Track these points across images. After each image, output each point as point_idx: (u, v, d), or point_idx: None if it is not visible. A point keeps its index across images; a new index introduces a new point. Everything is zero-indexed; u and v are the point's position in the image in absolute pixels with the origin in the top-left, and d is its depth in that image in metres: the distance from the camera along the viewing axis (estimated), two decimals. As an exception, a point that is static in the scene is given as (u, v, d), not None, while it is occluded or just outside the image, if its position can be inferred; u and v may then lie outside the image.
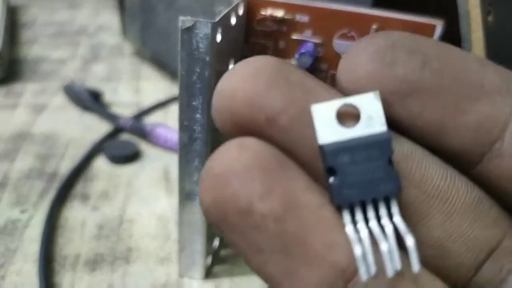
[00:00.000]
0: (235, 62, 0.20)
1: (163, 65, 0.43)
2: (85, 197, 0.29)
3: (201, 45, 0.17)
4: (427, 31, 0.19)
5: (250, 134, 0.11)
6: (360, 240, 0.10)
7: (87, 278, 0.23)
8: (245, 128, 0.11)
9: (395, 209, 0.11)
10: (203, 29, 0.17)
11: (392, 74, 0.11)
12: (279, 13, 0.20)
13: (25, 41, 0.51)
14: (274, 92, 0.11)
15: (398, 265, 0.10)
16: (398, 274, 0.10)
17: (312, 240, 0.10)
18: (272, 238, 0.10)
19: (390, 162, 0.10)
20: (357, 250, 0.10)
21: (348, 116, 0.11)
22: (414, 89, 0.11)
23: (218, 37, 0.17)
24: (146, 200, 0.28)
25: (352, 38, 0.20)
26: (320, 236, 0.10)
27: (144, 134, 0.34)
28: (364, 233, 0.10)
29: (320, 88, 0.11)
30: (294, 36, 0.21)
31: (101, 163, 0.32)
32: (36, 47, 0.49)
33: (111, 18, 0.55)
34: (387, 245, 0.10)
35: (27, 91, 0.41)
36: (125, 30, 0.46)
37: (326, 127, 0.11)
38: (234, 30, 0.19)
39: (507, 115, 0.11)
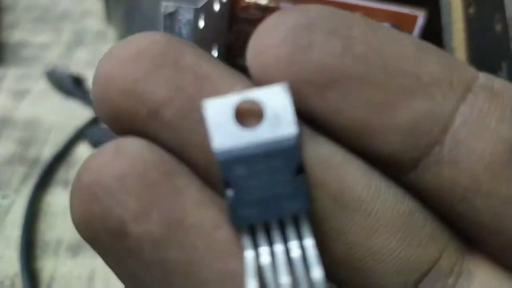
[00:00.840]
0: (219, 49, 0.20)
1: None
2: (67, 183, 0.28)
3: (183, 31, 0.17)
4: (409, 21, 0.20)
5: (133, 131, 0.09)
6: (259, 268, 0.09)
7: (69, 263, 0.23)
8: (125, 123, 0.09)
9: (305, 230, 0.09)
10: (186, 15, 0.16)
11: (307, 60, 0.08)
12: (263, 1, 0.20)
13: (6, 25, 0.50)
14: (158, 78, 0.09)
15: None
16: None
17: (201, 270, 0.08)
18: (150, 266, 0.08)
19: (299, 172, 0.09)
20: (250, 285, 0.08)
21: (249, 114, 0.09)
22: (333, 78, 0.09)
23: (201, 23, 0.17)
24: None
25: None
26: (211, 265, 0.08)
27: (127, 120, 0.34)
28: (265, 259, 0.09)
29: (220, 75, 0.09)
30: (278, 24, 0.21)
31: (83, 149, 0.32)
32: (18, 31, 0.48)
33: (95, 3, 0.55)
34: (287, 279, 0.08)
35: (9, 76, 0.40)
36: (109, 16, 0.46)
37: (222, 128, 0.09)
38: (217, 17, 0.19)
39: (448, 114, 0.09)
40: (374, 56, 0.09)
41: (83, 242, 0.25)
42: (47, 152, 0.31)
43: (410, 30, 0.20)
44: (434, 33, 0.22)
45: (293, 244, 0.09)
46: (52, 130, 0.33)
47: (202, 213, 0.09)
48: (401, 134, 0.09)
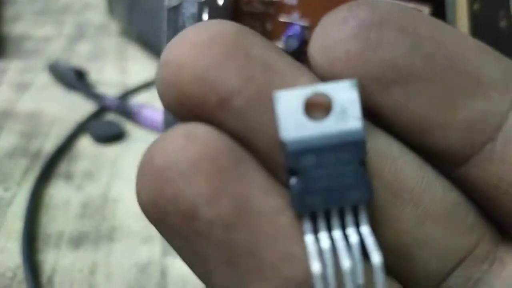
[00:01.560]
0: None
1: (150, 45, 0.43)
2: (69, 176, 0.29)
3: (187, 25, 0.17)
4: (413, 16, 0.20)
5: (200, 118, 0.09)
6: (320, 252, 0.09)
7: (70, 256, 0.23)
8: (193, 109, 0.09)
9: (363, 218, 0.09)
10: (190, 9, 0.16)
11: (377, 58, 0.09)
12: (267, -5, 0.20)
13: (8, 18, 0.50)
14: (230, 67, 0.09)
15: (360, 281, 0.09)
16: None
17: (266, 251, 0.09)
18: (219, 247, 0.09)
19: (362, 164, 0.09)
20: (315, 267, 0.09)
21: (318, 107, 0.09)
22: (400, 76, 0.09)
23: (205, 17, 0.17)
24: (131, 180, 0.28)
25: (339, 22, 0.21)
26: (275, 247, 0.09)
27: (129, 114, 0.34)
28: (325, 244, 0.09)
29: (287, 67, 0.09)
30: (282, 19, 0.21)
31: (85, 143, 0.32)
32: (20, 24, 0.48)
33: (97, -4, 0.55)
34: (349, 262, 0.09)
35: (11, 69, 0.40)
36: (111, 9, 0.46)
37: (291, 119, 0.09)
38: (221, 11, 0.19)
39: (503, 114, 0.09)
40: (441, 55, 0.09)
41: (85, 235, 0.25)
42: (49, 145, 0.31)
43: (414, 26, 0.20)
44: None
45: (351, 231, 0.09)
46: (54, 123, 0.33)
47: (267, 199, 0.09)
48: (459, 131, 0.09)
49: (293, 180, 0.09)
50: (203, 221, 0.09)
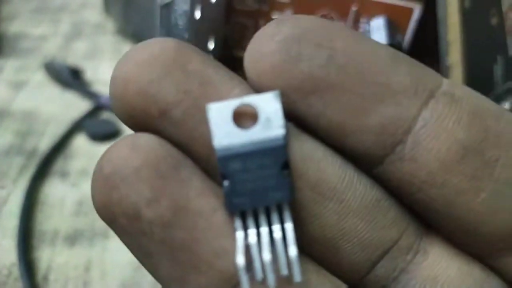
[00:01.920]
0: (216, 40, 0.20)
1: (145, 43, 0.43)
2: (64, 174, 0.29)
3: (180, 22, 0.17)
4: (405, 14, 0.20)
5: (145, 127, 0.10)
6: (248, 246, 0.10)
7: (66, 253, 0.23)
8: (139, 120, 0.10)
9: (287, 216, 0.10)
10: (182, 6, 0.17)
11: (296, 70, 0.10)
12: (260, -7, 0.20)
13: (5, 16, 0.50)
14: (169, 82, 0.10)
15: (284, 272, 0.10)
16: (287, 281, 0.10)
17: (201, 247, 0.10)
18: (160, 244, 0.10)
19: (284, 167, 0.10)
20: (239, 260, 0.10)
21: (246, 117, 0.10)
22: (318, 87, 0.10)
23: (197, 14, 0.17)
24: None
25: (332, 19, 0.21)
26: (209, 243, 0.10)
27: (125, 112, 0.34)
28: (252, 239, 0.10)
29: (222, 80, 0.10)
30: (275, 16, 0.21)
31: (81, 141, 0.32)
32: (16, 23, 0.48)
33: (93, -5, 0.55)
34: (269, 256, 0.10)
35: (7, 67, 0.40)
36: (107, 7, 0.46)
37: (222, 128, 0.10)
38: (214, 8, 0.19)
39: (411, 118, 0.10)
40: (353, 67, 0.10)
41: (80, 233, 0.25)
42: (45, 143, 0.31)
43: (405, 23, 0.20)
44: (429, 26, 0.22)
45: (276, 227, 0.10)
46: (50, 122, 0.33)
47: (203, 200, 0.10)
48: (371, 135, 0.10)
49: (225, 183, 0.10)
50: (145, 221, 0.10)
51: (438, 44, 0.21)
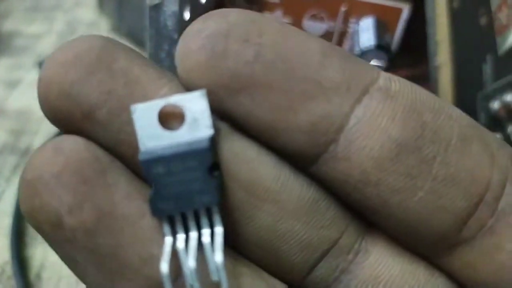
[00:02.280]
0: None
1: (139, 42, 0.43)
2: (58, 173, 0.29)
3: (169, 22, 0.17)
4: (394, 14, 0.20)
5: (72, 130, 0.10)
6: (177, 253, 0.10)
7: (58, 252, 0.24)
8: (64, 123, 0.10)
9: (216, 220, 0.10)
10: (171, 7, 0.17)
11: (222, 67, 0.09)
12: (250, -7, 0.21)
13: (-1, 14, 0.49)
14: (92, 82, 0.09)
15: (214, 277, 0.10)
16: (217, 285, 0.10)
17: (127, 254, 0.10)
18: (84, 251, 0.10)
19: (212, 169, 0.10)
20: (163, 268, 0.09)
21: (173, 118, 0.10)
22: (244, 84, 0.09)
23: (187, 15, 0.18)
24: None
25: (321, 19, 0.21)
26: (136, 249, 0.10)
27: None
28: (180, 245, 0.10)
29: (148, 78, 0.10)
30: (265, 16, 0.21)
31: (75, 139, 0.32)
32: (10, 21, 0.48)
33: (88, -7, 0.54)
34: (194, 263, 0.10)
35: (1, 66, 0.40)
36: (101, 6, 0.46)
37: (147, 130, 0.09)
38: (204, 9, 0.19)
39: (343, 116, 0.10)
40: (281, 63, 0.09)
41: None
42: (38, 142, 0.31)
43: (394, 23, 0.21)
44: (418, 26, 0.22)
45: (205, 232, 0.10)
46: (43, 120, 0.33)
47: (129, 204, 0.10)
48: (302, 133, 0.10)
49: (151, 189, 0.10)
50: (67, 228, 0.09)
51: (427, 44, 0.21)
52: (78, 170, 0.09)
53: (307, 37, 0.10)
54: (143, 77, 0.10)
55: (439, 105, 0.10)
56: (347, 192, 0.10)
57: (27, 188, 0.10)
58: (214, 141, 0.10)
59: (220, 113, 0.10)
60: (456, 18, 0.21)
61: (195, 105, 0.09)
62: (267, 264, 0.11)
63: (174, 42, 0.17)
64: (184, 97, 0.09)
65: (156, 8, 0.17)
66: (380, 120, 0.10)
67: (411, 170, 0.10)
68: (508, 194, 0.10)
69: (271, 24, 0.10)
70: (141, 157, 0.10)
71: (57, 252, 0.10)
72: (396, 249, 0.11)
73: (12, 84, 0.37)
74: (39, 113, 0.32)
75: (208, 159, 0.10)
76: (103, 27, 0.48)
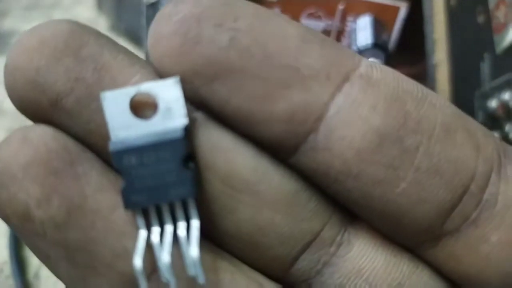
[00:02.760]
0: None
1: (138, 40, 0.43)
2: (56, 172, 0.29)
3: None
4: (391, 12, 0.20)
5: (41, 119, 0.09)
6: (151, 246, 0.09)
7: (57, 251, 0.24)
8: (33, 112, 0.09)
9: (192, 213, 0.09)
10: (168, 6, 0.17)
11: (196, 53, 0.09)
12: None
13: (-3, 13, 0.49)
14: (58, 69, 0.09)
15: (190, 271, 0.09)
16: (194, 282, 0.09)
17: (99, 248, 0.09)
18: (55, 245, 0.09)
19: (187, 160, 0.09)
20: (136, 262, 0.09)
21: (145, 106, 0.09)
22: (219, 71, 0.09)
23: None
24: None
25: (319, 18, 0.21)
26: (108, 243, 0.09)
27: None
28: (155, 239, 0.09)
29: (119, 65, 0.09)
30: (262, 15, 0.21)
31: (73, 138, 0.32)
32: (8, 19, 0.48)
33: (86, -8, 0.54)
34: (168, 257, 0.09)
35: (-1, 64, 0.40)
36: (100, 4, 0.46)
37: (118, 119, 0.09)
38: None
39: (323, 105, 0.09)
40: (258, 50, 0.09)
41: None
42: (37, 141, 0.31)
43: (392, 22, 0.21)
44: (416, 25, 0.22)
45: (181, 225, 0.09)
46: (41, 119, 0.33)
47: (101, 197, 0.09)
48: (280, 123, 0.09)
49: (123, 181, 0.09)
50: (35, 222, 0.09)
51: (424, 43, 0.21)
52: (47, 161, 0.09)
53: (286, 21, 0.09)
54: (114, 63, 0.09)
55: (422, 94, 0.10)
56: (328, 183, 0.10)
57: None
58: (188, 131, 0.09)
59: (195, 101, 0.09)
60: (454, 16, 0.21)
61: (168, 93, 0.09)
62: (248, 257, 0.10)
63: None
64: (157, 84, 0.09)
65: (153, 6, 0.17)
66: (361, 109, 0.09)
67: (393, 161, 0.09)
68: (493, 185, 0.10)
69: (247, 7, 0.09)
70: (111, 147, 0.09)
71: (28, 246, 0.10)
72: (379, 241, 0.11)
73: (11, 83, 0.37)
74: (37, 112, 0.32)
75: (182, 149, 0.09)
76: (101, 25, 0.48)
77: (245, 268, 0.11)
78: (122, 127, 0.09)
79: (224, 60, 0.09)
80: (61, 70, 0.09)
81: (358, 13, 0.20)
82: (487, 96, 0.22)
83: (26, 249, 0.24)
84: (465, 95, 0.22)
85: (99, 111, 0.09)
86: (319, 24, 0.21)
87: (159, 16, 0.09)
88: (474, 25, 0.22)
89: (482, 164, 0.10)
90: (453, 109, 0.10)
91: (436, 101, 0.10)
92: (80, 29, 0.09)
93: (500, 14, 0.21)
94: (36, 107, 0.09)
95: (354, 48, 0.20)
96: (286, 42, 0.09)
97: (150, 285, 0.09)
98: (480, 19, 0.22)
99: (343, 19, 0.21)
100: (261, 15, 0.09)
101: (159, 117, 0.09)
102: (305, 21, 0.21)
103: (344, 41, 0.21)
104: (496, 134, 0.21)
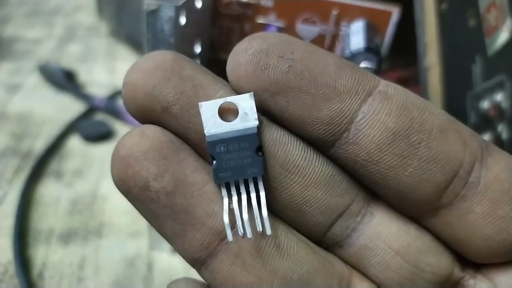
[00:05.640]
0: (202, 43, 0.21)
1: (138, 45, 0.43)
2: (59, 175, 0.29)
3: (165, 27, 0.17)
4: (384, 17, 0.20)
5: (151, 121, 0.13)
6: (232, 209, 0.13)
7: (60, 251, 0.24)
8: (146, 115, 0.13)
9: (260, 186, 0.13)
10: (167, 12, 0.17)
11: (265, 76, 0.13)
12: (245, -2, 0.21)
13: (-1, 19, 0.50)
14: (168, 86, 0.13)
15: (259, 228, 0.13)
16: (261, 235, 0.13)
17: (196, 210, 0.13)
18: (164, 208, 0.13)
19: (258, 150, 0.13)
20: (225, 219, 0.13)
21: (229, 112, 0.13)
22: (281, 89, 0.13)
23: (183, 20, 0.18)
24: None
25: (314, 23, 0.21)
26: (202, 207, 0.13)
27: (117, 114, 0.34)
28: (235, 204, 0.13)
29: (208, 83, 0.13)
30: (259, 20, 0.22)
31: (75, 142, 0.32)
32: (10, 26, 0.49)
33: (87, -2, 0.55)
34: (246, 215, 0.13)
35: (2, 70, 0.41)
36: (101, 10, 0.46)
37: (211, 120, 0.13)
38: (200, 13, 0.20)
39: (353, 112, 0.13)
40: (308, 73, 0.13)
41: (74, 231, 0.25)
42: (40, 144, 0.32)
43: (384, 26, 0.21)
44: (408, 29, 0.23)
45: (253, 195, 0.13)
46: (44, 123, 0.34)
47: (197, 175, 0.13)
48: (323, 125, 0.13)
49: (213, 162, 0.13)
50: (152, 191, 0.13)
51: (416, 46, 0.22)
52: (159, 149, 0.13)
53: (326, 53, 0.13)
54: (205, 82, 0.13)
55: (424, 105, 0.13)
56: (356, 168, 0.14)
57: (121, 162, 0.13)
58: (259, 129, 0.13)
59: (262, 109, 0.13)
60: (445, 19, 0.22)
61: (245, 103, 0.13)
62: (296, 223, 0.14)
63: (170, 46, 0.18)
64: (238, 97, 0.13)
65: (153, 13, 0.17)
66: (380, 115, 0.13)
67: (403, 152, 0.13)
68: (476, 171, 0.14)
69: (300, 44, 0.13)
70: (208, 139, 0.13)
71: (141, 211, 0.14)
72: (393, 214, 0.15)
73: (13, 88, 0.38)
74: (40, 117, 0.33)
75: (255, 142, 0.13)
76: (102, 31, 0.48)
77: (294, 231, 0.14)
78: (213, 126, 0.13)
79: (284, 81, 0.13)
80: (171, 86, 0.13)
81: (351, 18, 0.21)
82: (479, 97, 0.22)
83: (30, 249, 0.24)
84: (457, 97, 0.23)
85: (196, 115, 0.13)
86: (314, 29, 0.21)
87: (237, 49, 0.13)
88: (465, 28, 0.22)
89: (468, 155, 0.13)
90: (447, 116, 0.14)
91: (434, 110, 0.13)
92: (180, 57, 0.13)
93: (491, 17, 0.21)
94: (151, 112, 0.13)
95: (347, 52, 0.21)
96: (327, 68, 0.13)
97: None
98: (471, 22, 0.22)
99: (337, 24, 0.21)
100: (310, 49, 0.13)
101: (238, 120, 0.13)
102: (300, 26, 0.21)
103: (338, 45, 0.22)
104: (489, 135, 0.21)
